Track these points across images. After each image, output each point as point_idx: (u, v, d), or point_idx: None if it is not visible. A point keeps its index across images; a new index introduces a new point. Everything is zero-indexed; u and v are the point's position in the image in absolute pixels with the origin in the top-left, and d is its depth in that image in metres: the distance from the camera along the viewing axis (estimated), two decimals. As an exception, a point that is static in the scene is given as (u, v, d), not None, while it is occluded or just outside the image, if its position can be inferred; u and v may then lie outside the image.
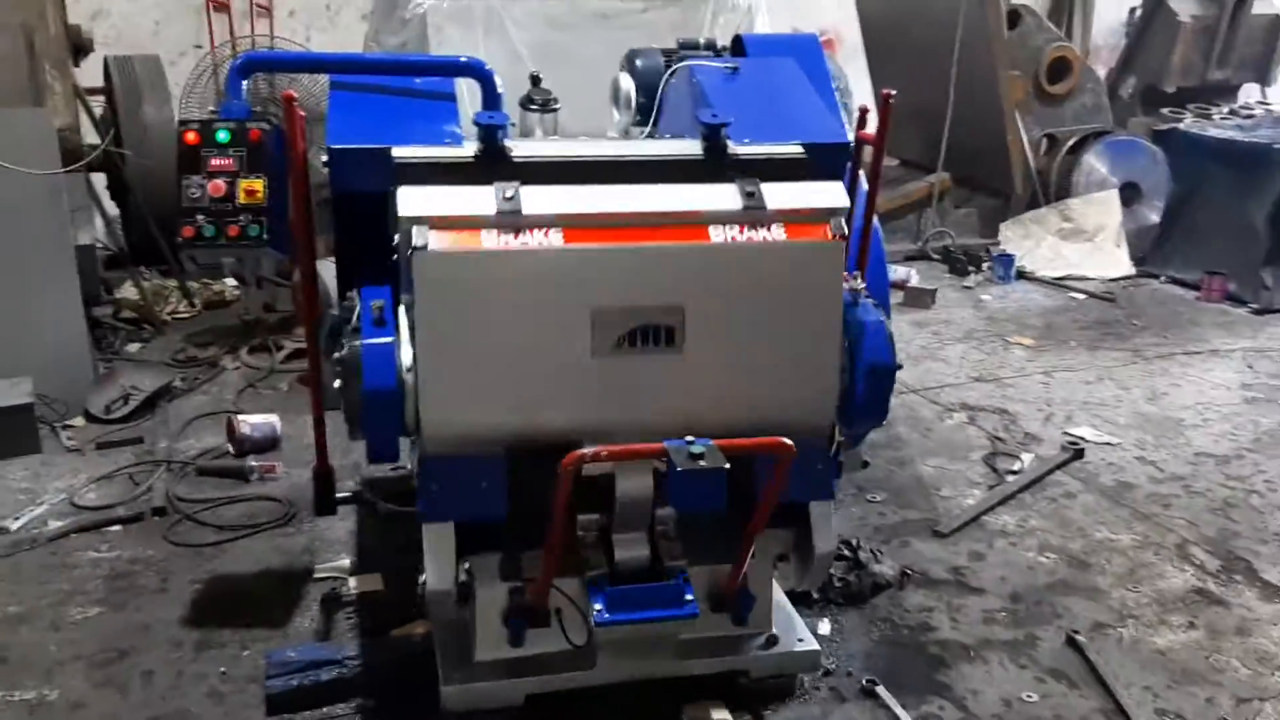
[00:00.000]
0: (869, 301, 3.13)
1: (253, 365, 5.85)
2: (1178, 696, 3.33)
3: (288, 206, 3.53)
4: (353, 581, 3.86)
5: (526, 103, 3.94)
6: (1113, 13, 10.88)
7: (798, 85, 3.90)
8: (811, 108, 3.78)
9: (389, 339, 2.84)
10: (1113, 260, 7.69)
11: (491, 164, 3.15)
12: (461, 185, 2.90)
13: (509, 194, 2.81)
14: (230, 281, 6.98)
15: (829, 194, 3.02)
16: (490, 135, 3.15)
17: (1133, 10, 10.92)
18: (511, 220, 2.79)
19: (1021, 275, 7.62)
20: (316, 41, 8.05)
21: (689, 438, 2.61)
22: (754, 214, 2.92)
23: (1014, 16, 7.86)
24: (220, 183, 3.31)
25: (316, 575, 3.91)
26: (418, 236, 2.74)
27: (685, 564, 3.05)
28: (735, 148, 3.29)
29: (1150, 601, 3.82)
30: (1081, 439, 5.04)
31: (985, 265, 7.68)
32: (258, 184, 3.33)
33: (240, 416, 4.85)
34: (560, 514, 2.75)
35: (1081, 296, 7.30)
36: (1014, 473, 4.73)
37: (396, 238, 2.90)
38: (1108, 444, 5.04)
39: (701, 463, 2.52)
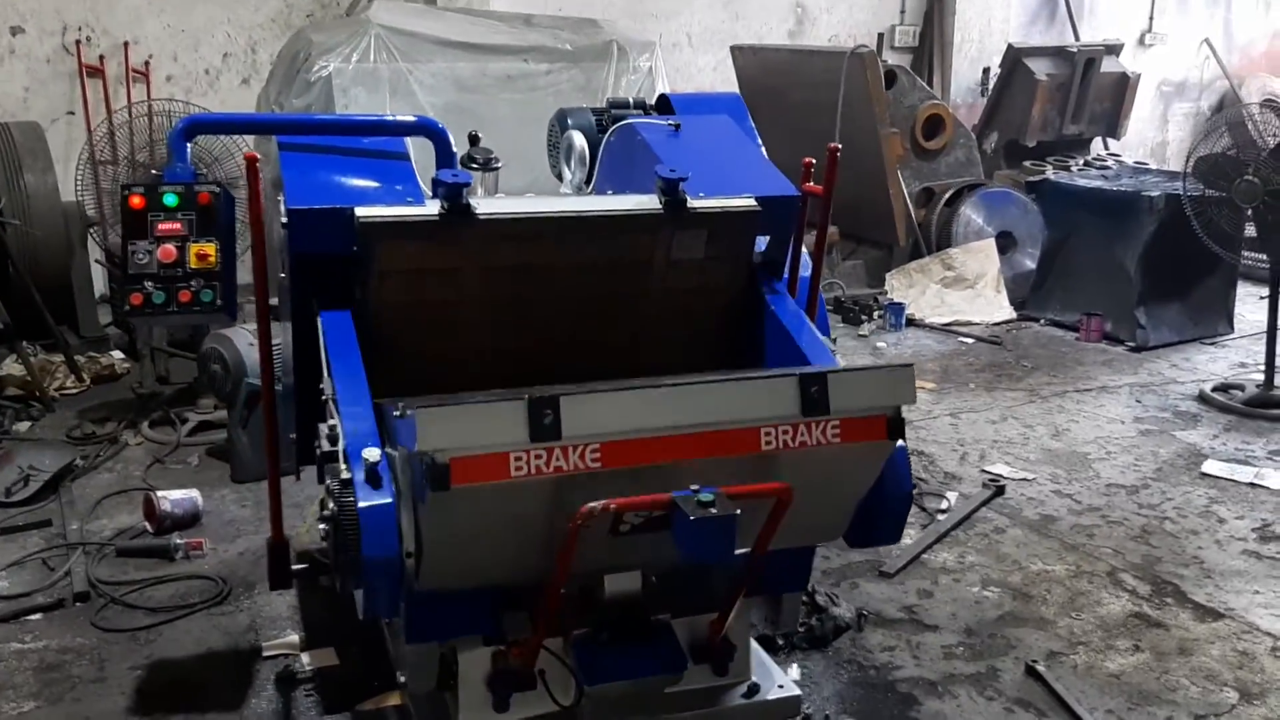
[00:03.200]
0: None
1: (157, 439, 5.59)
2: (1139, 717, 3.45)
3: (234, 271, 3.45)
4: (305, 657, 3.71)
5: (468, 161, 3.93)
6: (967, 73, 11.47)
7: (738, 141, 4.00)
8: (756, 162, 3.88)
9: (387, 500, 2.56)
10: (995, 305, 8.03)
11: (456, 223, 3.15)
12: (433, 249, 2.92)
13: (547, 419, 2.45)
14: (118, 354, 6.69)
15: (894, 386, 2.74)
16: (455, 193, 3.14)
17: (986, 70, 11.55)
18: (546, 447, 2.46)
19: (911, 322, 7.88)
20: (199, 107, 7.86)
21: (694, 486, 2.61)
22: (813, 418, 2.64)
23: (890, 76, 8.19)
24: (170, 247, 3.20)
25: (265, 653, 3.75)
26: (440, 474, 2.39)
27: (669, 616, 3.08)
28: (693, 201, 3.37)
29: (1094, 628, 3.96)
30: (1000, 476, 5.22)
31: (876, 314, 7.92)
32: (210, 248, 3.23)
33: (159, 493, 4.63)
34: (562, 575, 2.71)
35: (970, 341, 7.58)
36: (942, 511, 4.87)
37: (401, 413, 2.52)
38: (1024, 479, 5.24)
39: (712, 510, 2.51)
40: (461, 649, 3.04)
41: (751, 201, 3.48)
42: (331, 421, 2.76)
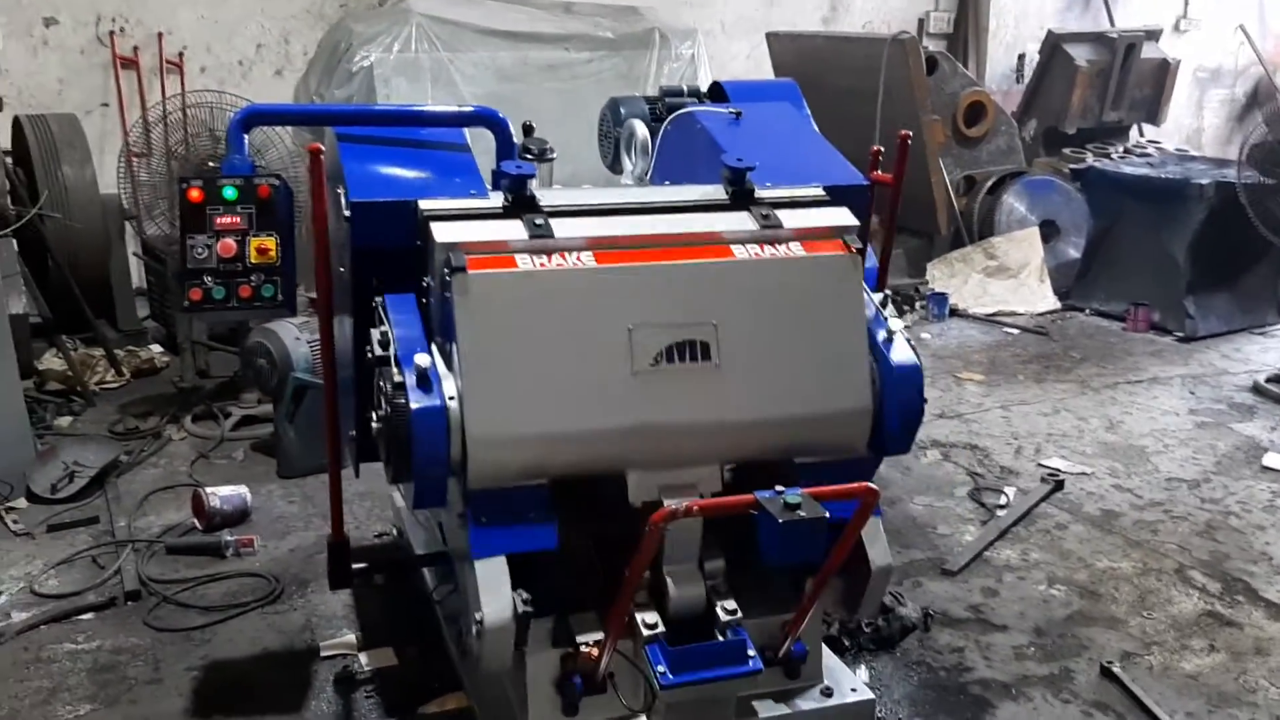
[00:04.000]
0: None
1: (200, 434, 5.54)
2: (1219, 719, 3.37)
3: (294, 265, 3.38)
4: (364, 657, 3.64)
5: (523, 151, 3.85)
6: (1002, 60, 11.34)
7: (802, 129, 3.91)
8: (821, 151, 3.78)
9: (438, 403, 2.68)
10: (1038, 295, 7.91)
11: (520, 215, 3.08)
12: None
13: (539, 221, 2.86)
14: (156, 348, 6.65)
15: (838, 215, 3.13)
16: (519, 185, 3.07)
17: (1021, 56, 11.43)
18: (543, 245, 2.81)
19: (954, 313, 7.77)
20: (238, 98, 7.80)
21: (779, 488, 2.53)
22: (771, 233, 2.99)
23: (931, 63, 8.07)
24: (230, 242, 3.13)
25: (323, 653, 3.68)
26: (455, 258, 2.70)
27: (740, 618, 3.00)
28: (760, 191, 3.29)
29: (1167, 627, 3.87)
30: (1058, 470, 5.12)
31: (918, 304, 7.81)
32: (270, 242, 3.15)
33: (207, 489, 4.57)
34: (639, 572, 2.64)
35: (1015, 331, 7.47)
36: (1001, 507, 4.77)
37: (428, 279, 2.87)
38: (1083, 474, 5.13)
39: (800, 513, 2.43)
40: (530, 651, 2.98)
41: (819, 191, 3.40)
42: (383, 327, 2.82)
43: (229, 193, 3.16)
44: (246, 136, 3.32)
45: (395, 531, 4.45)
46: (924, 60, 7.85)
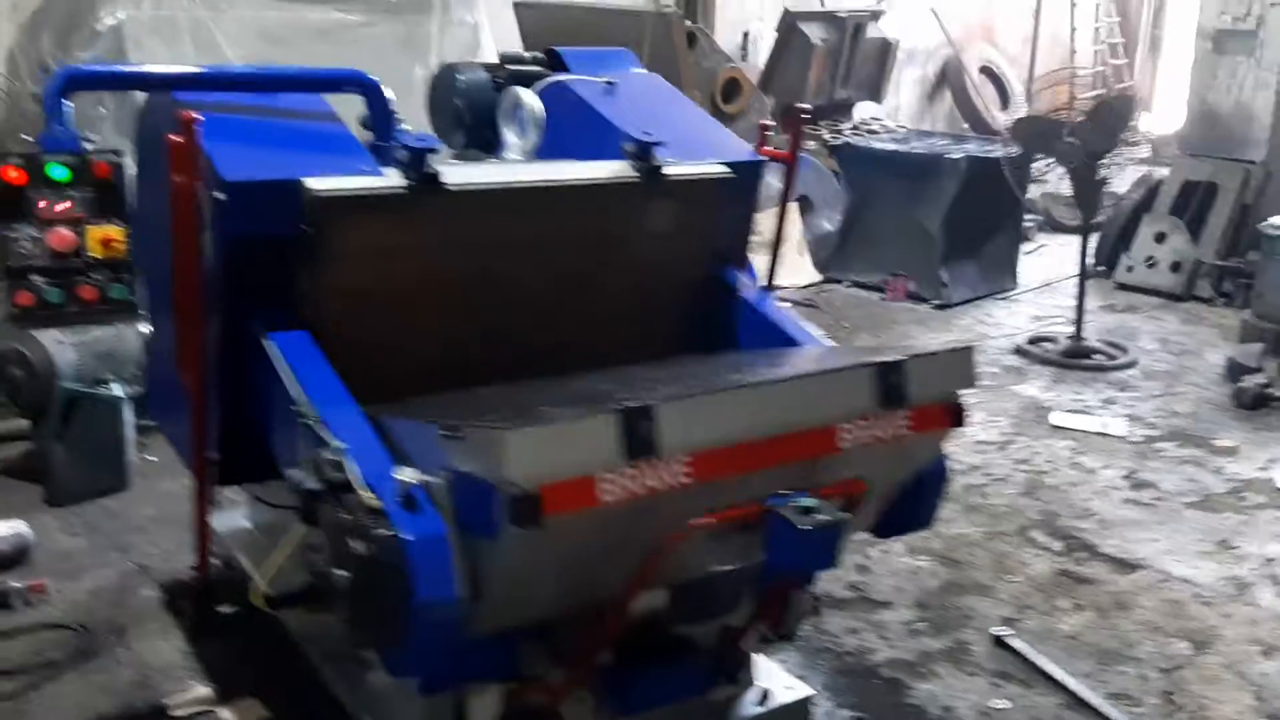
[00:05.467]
0: None
1: (-72, 462, 4.68)
2: (1114, 677, 3.49)
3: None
4: (227, 714, 3.15)
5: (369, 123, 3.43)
6: (729, 37, 11.53)
7: (678, 101, 3.73)
8: (708, 124, 3.64)
9: (440, 530, 2.16)
10: (799, 268, 8.09)
11: (423, 195, 2.71)
12: (395, 226, 2.62)
13: (644, 430, 2.13)
14: None
15: (961, 369, 2.65)
16: (420, 161, 2.71)
17: (745, 34, 11.68)
18: (642, 466, 2.15)
19: (723, 288, 7.81)
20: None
21: (784, 491, 2.33)
22: (891, 411, 2.46)
23: (690, 38, 8.06)
24: (65, 232, 2.55)
25: (174, 712, 3.15)
26: (528, 509, 2.04)
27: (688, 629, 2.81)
28: (667, 168, 3.08)
29: (1032, 589, 4.00)
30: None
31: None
32: (116, 232, 2.61)
33: (-26, 528, 3.84)
34: (635, 594, 2.37)
35: (786, 304, 7.58)
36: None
37: (463, 438, 2.16)
38: (901, 443, 5.26)
39: (821, 517, 2.25)
40: (470, 691, 2.65)
41: (721, 168, 3.23)
42: (336, 444, 2.28)
43: (58, 172, 2.58)
44: (68, 104, 2.74)
45: (215, 560, 3.90)
46: (685, 36, 7.82)
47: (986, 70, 14.44)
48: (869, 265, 7.93)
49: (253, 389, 2.70)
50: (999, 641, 3.63)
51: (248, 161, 2.60)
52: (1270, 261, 6.57)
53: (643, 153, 3.05)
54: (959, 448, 5.21)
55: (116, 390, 4.41)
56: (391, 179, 2.71)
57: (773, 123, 3.59)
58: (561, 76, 3.51)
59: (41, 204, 2.55)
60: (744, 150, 3.38)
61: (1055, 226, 10.14)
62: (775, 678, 3.15)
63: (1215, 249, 7.88)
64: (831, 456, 2.43)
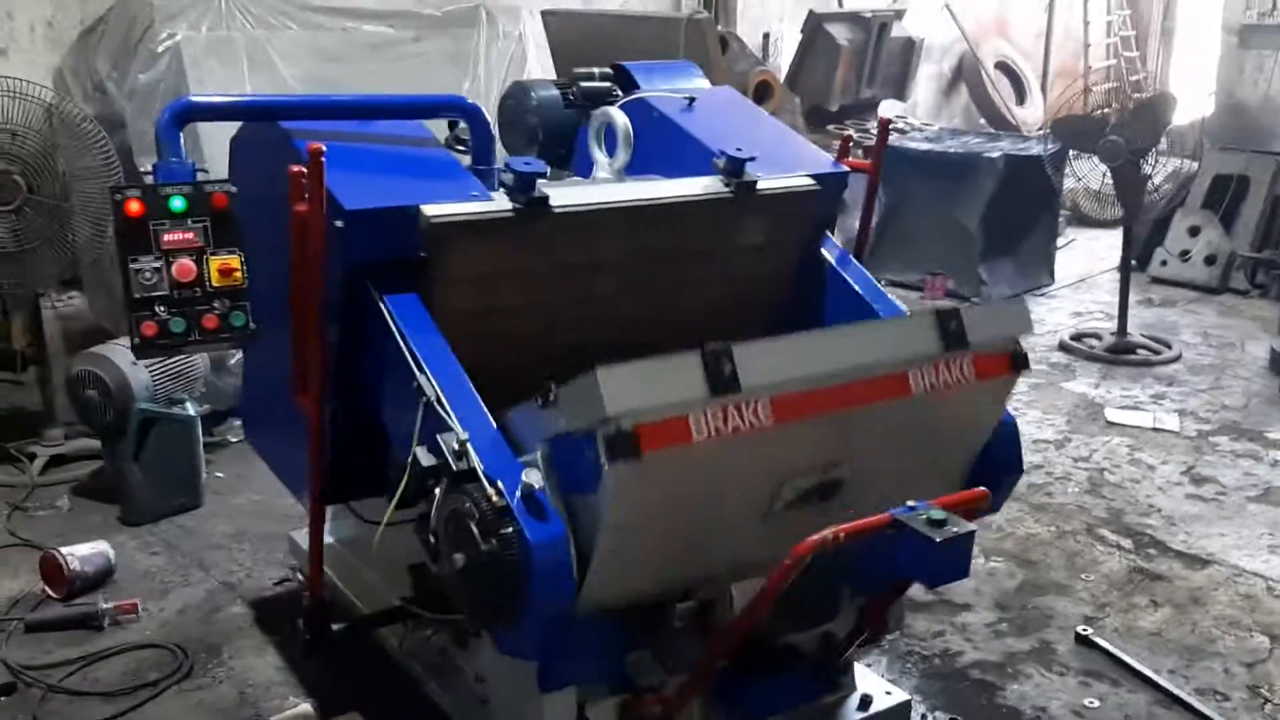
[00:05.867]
0: None
1: (3, 482, 4.71)
2: (1199, 672, 3.52)
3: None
4: (331, 728, 3.19)
5: (453, 143, 3.47)
6: (750, 37, 11.55)
7: (757, 115, 3.77)
8: (789, 138, 3.66)
9: (560, 532, 2.23)
10: (835, 269, 8.12)
11: (533, 219, 2.75)
12: (506, 250, 2.67)
13: (725, 368, 2.22)
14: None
15: (1015, 317, 2.75)
16: (529, 185, 2.74)
17: (766, 35, 11.71)
18: (726, 401, 2.23)
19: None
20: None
21: (910, 503, 2.37)
22: (954, 354, 2.54)
23: (723, 43, 8.08)
24: (187, 263, 2.59)
25: (279, 729, 3.19)
26: (627, 441, 2.11)
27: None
28: (759, 183, 3.12)
29: (1108, 587, 4.03)
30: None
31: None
32: (234, 261, 2.64)
33: (63, 549, 3.87)
34: (764, 607, 2.41)
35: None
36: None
37: (561, 398, 2.26)
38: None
39: (953, 529, 2.29)
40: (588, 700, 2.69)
41: (810, 181, 3.27)
42: (461, 435, 2.34)
43: (176, 203, 2.61)
44: (181, 135, 2.78)
45: (299, 576, 3.95)
46: (719, 40, 7.84)
47: (1002, 65, 14.48)
48: (906, 264, 7.95)
49: (367, 368, 2.75)
50: (1083, 640, 3.66)
51: (365, 189, 2.63)
52: (1310, 253, 6.60)
53: (735, 168, 3.09)
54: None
55: (190, 410, 4.45)
56: (501, 203, 2.75)
57: (851, 133, 3.59)
58: (643, 93, 3.54)
59: (166, 236, 2.58)
60: (826, 162, 3.41)
61: (1083, 220, 10.19)
62: (872, 683, 3.19)
63: (1249, 241, 7.91)
64: (906, 404, 2.48)
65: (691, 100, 3.53)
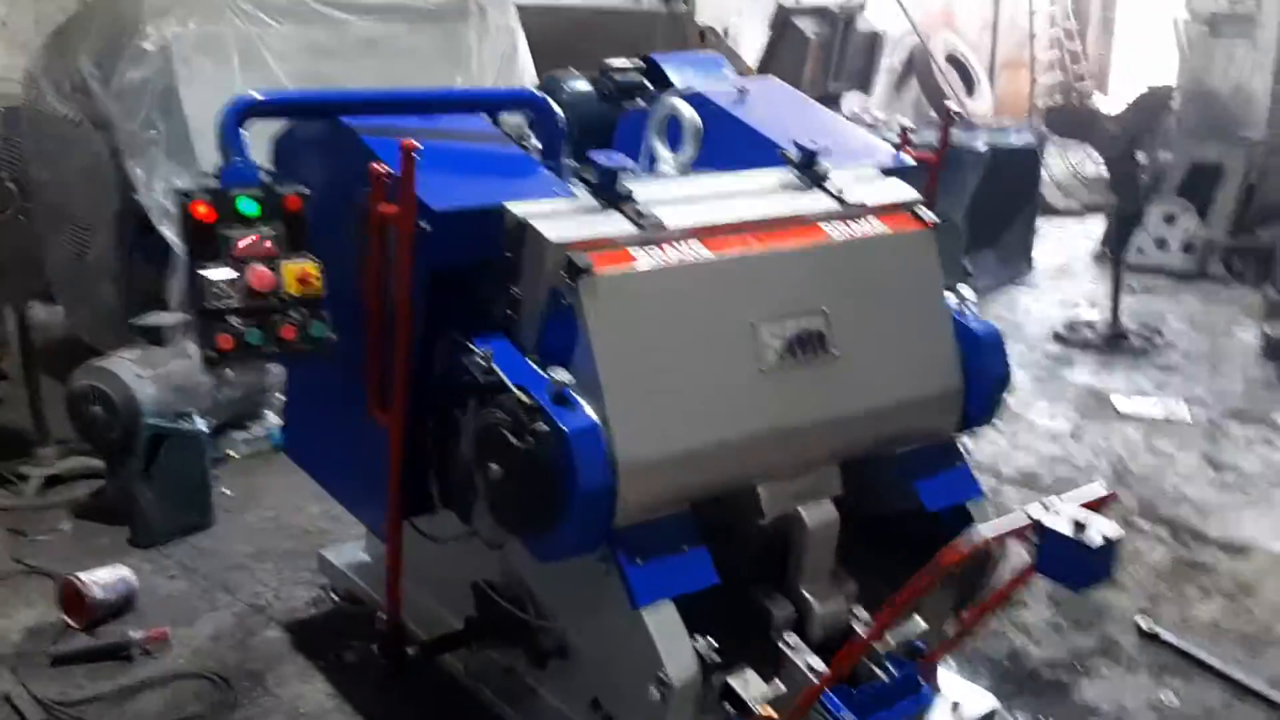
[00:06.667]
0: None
1: (-2, 505, 4.46)
2: (1266, 663, 3.50)
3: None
4: (395, 755, 3.04)
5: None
6: (708, 32, 11.49)
7: (807, 105, 3.66)
8: (849, 130, 3.57)
9: (593, 420, 2.33)
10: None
11: (618, 215, 2.63)
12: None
13: (641, 212, 2.55)
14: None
15: (900, 189, 3.07)
16: (612, 180, 2.62)
17: (725, 31, 11.64)
18: (653, 236, 2.51)
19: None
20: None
21: (1043, 503, 2.29)
22: (853, 211, 2.85)
23: (701, 36, 7.99)
24: (264, 270, 2.42)
25: (342, 759, 3.03)
26: (578, 259, 2.37)
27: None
28: (831, 176, 3.02)
29: (1156, 579, 4.00)
30: (956, 436, 5.21)
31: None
32: (311, 267, 2.47)
33: (83, 576, 3.64)
34: (893, 615, 2.31)
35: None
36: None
37: (522, 287, 2.51)
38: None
39: (1102, 534, 2.20)
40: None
41: (878, 172, 3.18)
42: (486, 351, 2.44)
43: (247, 206, 2.44)
44: (245, 134, 2.61)
45: (334, 596, 3.77)
46: (698, 33, 7.75)
47: (950, 58, 14.57)
48: (888, 258, 7.91)
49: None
50: (1146, 634, 3.63)
51: (448, 189, 2.49)
52: (1292, 239, 6.69)
53: (807, 160, 2.99)
54: (1036, 439, 5.23)
55: (199, 424, 4.24)
56: (584, 199, 2.63)
57: (913, 126, 3.50)
58: (695, 86, 3.42)
59: (241, 242, 2.41)
60: (889, 153, 3.32)
61: (1046, 209, 10.26)
62: (957, 687, 3.11)
63: (1224, 228, 8.02)
64: (828, 245, 2.76)
65: (743, 91, 3.43)
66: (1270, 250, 7.67)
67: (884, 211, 2.92)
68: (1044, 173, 8.02)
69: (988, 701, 3.07)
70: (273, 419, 5.09)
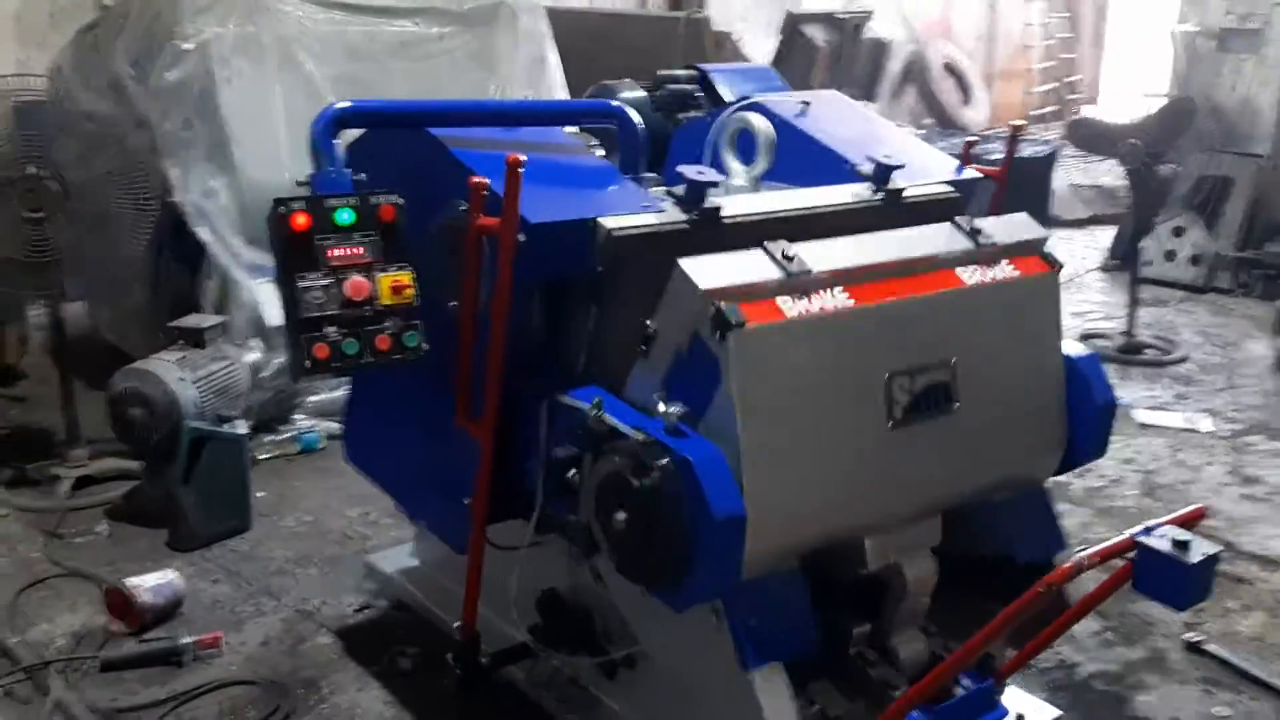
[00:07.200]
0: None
1: (29, 507, 4.41)
2: (1313, 678, 3.54)
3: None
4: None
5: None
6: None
7: (870, 118, 3.69)
8: (915, 144, 3.59)
9: (714, 449, 2.28)
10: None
11: (705, 229, 2.64)
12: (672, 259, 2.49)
13: (789, 253, 2.44)
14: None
15: (1028, 225, 2.99)
16: (701, 195, 2.63)
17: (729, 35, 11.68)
18: (802, 284, 2.42)
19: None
20: None
21: (1146, 524, 2.32)
22: (985, 252, 2.77)
23: (717, 42, 8.01)
24: (361, 280, 2.41)
25: (407, 768, 3.02)
26: (730, 312, 2.27)
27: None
28: (907, 191, 3.05)
29: (1196, 592, 4.03)
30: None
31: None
32: (405, 277, 2.47)
33: (130, 581, 3.62)
34: (995, 634, 2.33)
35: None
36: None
37: (658, 324, 2.43)
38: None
39: (1203, 551, 2.23)
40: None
41: (947, 187, 3.21)
42: (594, 400, 2.41)
43: (344, 216, 2.44)
44: (338, 143, 2.60)
45: (381, 602, 3.76)
46: (715, 38, 7.78)
47: (947, 66, 14.67)
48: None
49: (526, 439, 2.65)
50: (1194, 647, 3.66)
51: (542, 201, 2.49)
52: (1304, 254, 6.76)
53: (883, 175, 3.01)
54: (1063, 450, 5.26)
55: (240, 428, 4.22)
56: (673, 213, 2.63)
57: (977, 138, 3.52)
58: (759, 98, 3.42)
59: (336, 251, 2.40)
60: (954, 167, 3.34)
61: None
62: (1019, 699, 3.13)
63: (1232, 241, 8.09)
64: (962, 291, 2.68)
65: (806, 104, 3.44)
66: (1279, 265, 7.76)
67: (1015, 253, 2.84)
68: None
69: (1050, 712, 3.10)
70: (302, 422, 5.07)
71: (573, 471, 2.47)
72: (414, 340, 2.47)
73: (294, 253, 2.40)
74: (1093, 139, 6.55)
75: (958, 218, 2.84)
